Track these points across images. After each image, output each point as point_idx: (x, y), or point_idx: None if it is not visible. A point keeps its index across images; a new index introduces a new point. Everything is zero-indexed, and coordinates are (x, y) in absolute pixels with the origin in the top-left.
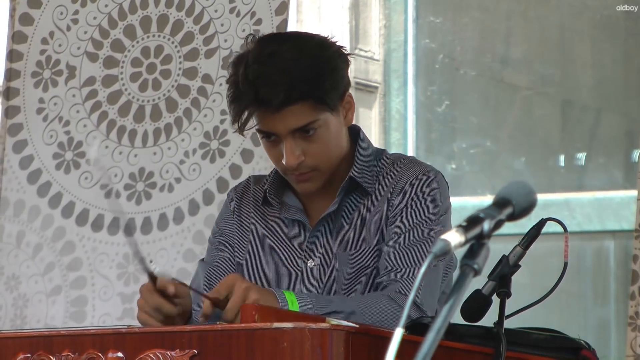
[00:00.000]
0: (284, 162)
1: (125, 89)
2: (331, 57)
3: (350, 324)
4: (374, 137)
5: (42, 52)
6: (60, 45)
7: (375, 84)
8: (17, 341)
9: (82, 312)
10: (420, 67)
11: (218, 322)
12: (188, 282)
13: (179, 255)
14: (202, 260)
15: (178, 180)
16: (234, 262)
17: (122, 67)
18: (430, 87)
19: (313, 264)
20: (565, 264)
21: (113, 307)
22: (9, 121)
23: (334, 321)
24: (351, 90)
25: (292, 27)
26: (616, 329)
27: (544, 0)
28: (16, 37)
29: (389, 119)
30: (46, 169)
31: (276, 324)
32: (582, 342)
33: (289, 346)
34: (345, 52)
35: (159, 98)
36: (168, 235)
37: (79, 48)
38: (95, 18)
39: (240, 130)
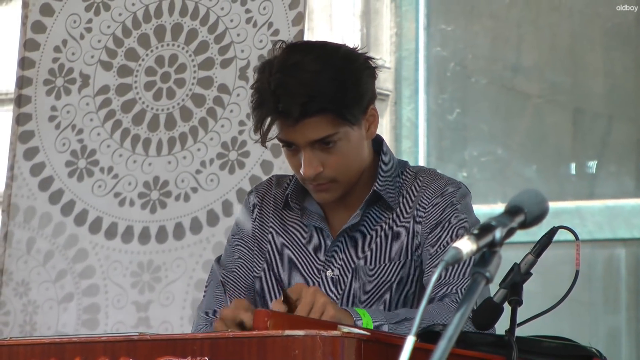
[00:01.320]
0: (301, 172)
1: (140, 98)
2: (356, 70)
3: (362, 331)
4: None
5: (55, 60)
6: (73, 54)
7: (386, 92)
8: (29, 348)
9: (94, 319)
10: (432, 75)
11: (229, 330)
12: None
13: (198, 265)
14: (218, 259)
15: (194, 189)
16: (252, 268)
17: (136, 75)
18: (442, 95)
19: (332, 274)
20: (577, 272)
21: (127, 315)
22: (20, 128)
23: (346, 329)
24: None
25: (303, 36)
26: (627, 337)
27: (555, 8)
28: (28, 44)
29: (400, 126)
30: (58, 176)
31: (287, 332)
32: (593, 350)
33: (300, 354)
34: (373, 65)
35: (173, 107)
36: (185, 245)
37: (92, 56)
38: (109, 27)
39: (263, 139)
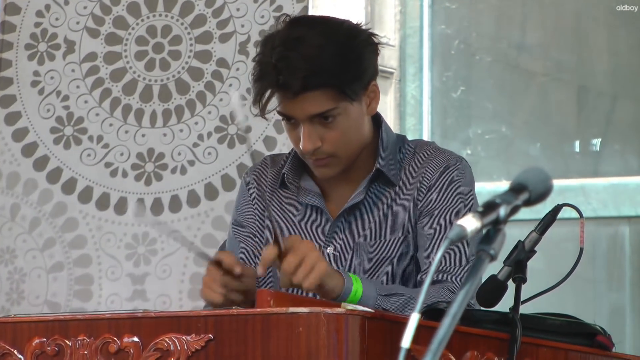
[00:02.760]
0: (300, 146)
1: (130, 67)
2: (358, 46)
3: (366, 308)
4: (389, 122)
5: (37, 24)
6: (57, 19)
7: (390, 70)
8: (33, 325)
9: (87, 290)
10: (436, 53)
11: (233, 307)
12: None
13: (197, 239)
14: (222, 247)
15: (192, 162)
16: (256, 254)
17: (125, 44)
18: (446, 73)
19: (332, 251)
20: (581, 250)
21: (122, 287)
22: (1, 92)
23: (350, 306)
24: None
25: (307, 12)
26: (631, 314)
27: None
28: (8, 8)
29: (404, 104)
30: (43, 142)
31: (292, 309)
32: (597, 327)
33: (304, 331)
34: (376, 41)
35: (167, 79)
36: (182, 217)
37: (78, 23)
38: None
39: (262, 112)
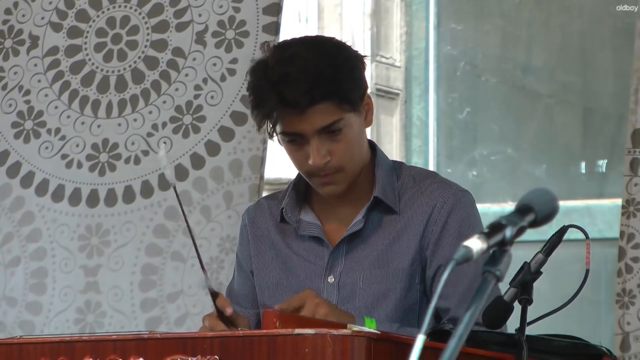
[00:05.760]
0: (310, 162)
1: (89, 59)
2: (349, 57)
3: (372, 330)
4: (395, 143)
5: (5, 22)
6: (23, 16)
7: (396, 91)
8: (39, 347)
9: (42, 284)
10: (442, 74)
11: (239, 329)
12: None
13: (149, 229)
14: (230, 284)
15: (145, 152)
16: (254, 289)
17: (86, 37)
18: (452, 94)
19: (333, 279)
20: (587, 271)
21: (75, 279)
22: None
23: (356, 327)
24: (372, 97)
25: (314, 34)
26: None
27: (566, 9)
28: None
29: (410, 125)
30: (4, 137)
31: (298, 330)
32: (603, 349)
33: (310, 352)
34: (362, 55)
35: (124, 69)
36: (135, 208)
37: (42, 18)
38: None
39: (271, 136)
